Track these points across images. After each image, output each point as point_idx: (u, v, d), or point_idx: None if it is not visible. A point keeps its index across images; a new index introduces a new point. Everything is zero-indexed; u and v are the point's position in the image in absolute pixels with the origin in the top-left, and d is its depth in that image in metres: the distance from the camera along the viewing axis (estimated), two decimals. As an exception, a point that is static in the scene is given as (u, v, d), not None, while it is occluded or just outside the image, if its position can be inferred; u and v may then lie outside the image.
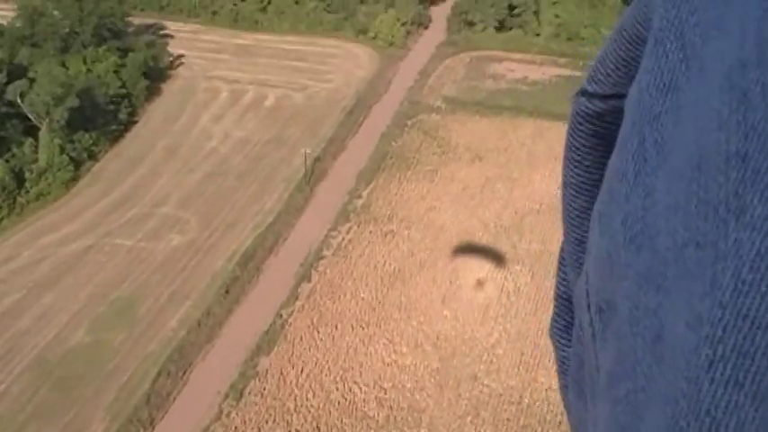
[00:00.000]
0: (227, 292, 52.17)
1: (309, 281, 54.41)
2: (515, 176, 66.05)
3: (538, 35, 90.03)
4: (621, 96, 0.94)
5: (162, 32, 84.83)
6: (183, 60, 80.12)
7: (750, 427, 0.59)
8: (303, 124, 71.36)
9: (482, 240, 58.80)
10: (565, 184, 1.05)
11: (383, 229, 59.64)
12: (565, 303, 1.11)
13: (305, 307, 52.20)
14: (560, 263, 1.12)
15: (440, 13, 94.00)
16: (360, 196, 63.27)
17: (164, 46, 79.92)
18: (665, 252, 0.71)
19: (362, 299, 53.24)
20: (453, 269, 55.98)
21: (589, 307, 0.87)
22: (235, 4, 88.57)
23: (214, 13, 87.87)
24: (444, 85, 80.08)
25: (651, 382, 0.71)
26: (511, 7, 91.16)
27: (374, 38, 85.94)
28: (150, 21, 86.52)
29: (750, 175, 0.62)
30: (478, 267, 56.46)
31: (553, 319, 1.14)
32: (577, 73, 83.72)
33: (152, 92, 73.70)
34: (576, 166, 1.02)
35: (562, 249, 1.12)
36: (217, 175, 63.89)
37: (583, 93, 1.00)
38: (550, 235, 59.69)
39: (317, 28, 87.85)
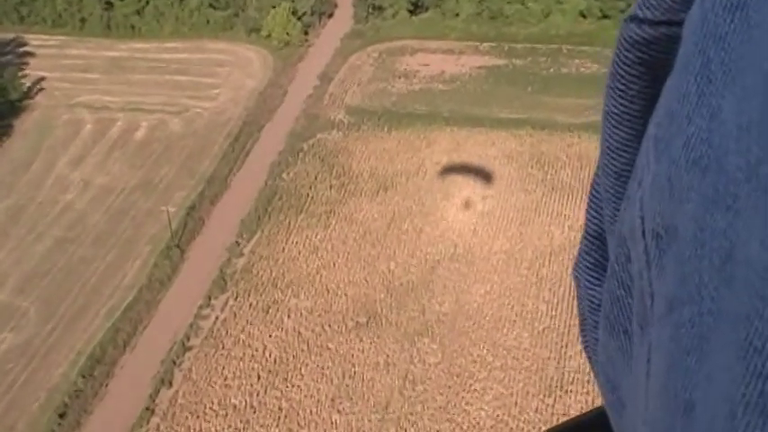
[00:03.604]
0: (61, 416, 42.19)
1: (170, 385, 44.58)
2: (426, 210, 55.98)
3: (457, 15, 79.11)
4: (671, 23, 0.92)
5: (20, 50, 73.24)
6: (42, 85, 68.82)
7: None
8: (178, 161, 60.70)
9: (382, 306, 49.05)
10: (606, 115, 1.00)
11: (266, 301, 49.68)
12: (594, 241, 1.09)
13: (160, 428, 42.40)
14: (592, 200, 1.08)
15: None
16: (241, 254, 53.15)
17: (17, 71, 68.44)
18: (735, 172, 0.69)
19: (233, 407, 43.50)
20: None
21: (644, 234, 0.84)
22: (106, 7, 76.79)
23: (83, 20, 76.17)
24: (348, 91, 69.40)
25: (719, 303, 0.69)
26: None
27: (268, 37, 74.75)
28: (9, 35, 74.83)
29: None
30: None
31: (581, 257, 1.12)
32: (501, 61, 73.34)
33: (-1, 133, 62.69)
34: (619, 96, 0.98)
35: (593, 186, 1.08)
36: (69, 242, 53.41)
37: (632, 18, 0.96)
38: (467, 289, 50.10)
39: (202, 29, 76.47)
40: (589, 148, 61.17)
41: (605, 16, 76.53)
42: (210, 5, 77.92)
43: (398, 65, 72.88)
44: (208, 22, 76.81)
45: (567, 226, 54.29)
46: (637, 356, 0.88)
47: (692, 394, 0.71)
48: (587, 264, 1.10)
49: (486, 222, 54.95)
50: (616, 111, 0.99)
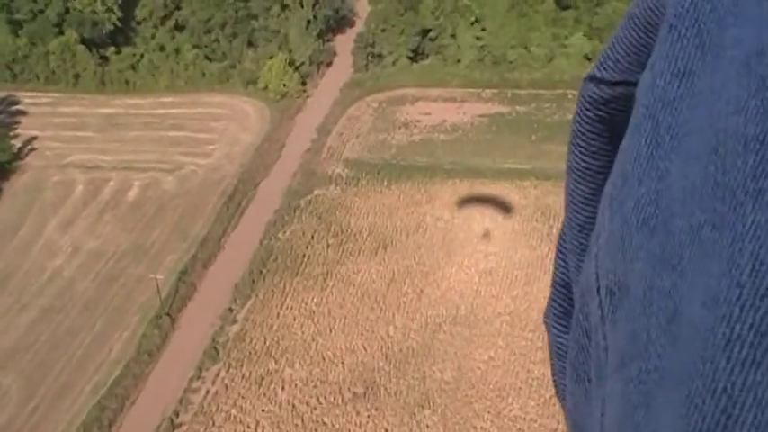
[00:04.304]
0: (41, 506, 39.87)
1: (157, 468, 42.21)
2: (427, 269, 53.74)
3: (459, 62, 77.34)
4: (629, 84, 0.95)
5: (12, 109, 71.83)
6: (34, 145, 67.29)
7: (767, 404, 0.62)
8: (171, 222, 58.78)
9: (381, 375, 46.66)
10: (569, 170, 1.05)
11: (259, 371, 47.41)
12: (562, 290, 1.12)
13: None
14: (559, 249, 1.11)
15: (346, 45, 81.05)
16: (234, 320, 50.98)
17: (7, 132, 66.91)
18: (680, 234, 0.72)
19: (223, 492, 41.07)
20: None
21: (599, 290, 0.86)
22: (101, 62, 75.38)
23: (76, 76, 74.73)
24: (347, 144, 67.52)
25: (664, 361, 0.71)
26: (424, 32, 78.35)
27: (265, 88, 73.12)
28: (1, 94, 73.43)
29: None
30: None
31: (550, 305, 1.14)
32: (504, 108, 71.38)
33: (-13, 198, 60.99)
34: (581, 152, 1.02)
35: (561, 236, 1.11)
36: (55, 312, 51.41)
37: (591, 78, 1.00)
38: (469, 354, 47.68)
39: (198, 82, 74.96)
40: (596, 199, 58.90)
41: (610, 58, 74.58)
42: (206, 58, 76.57)
43: (399, 114, 71.05)
44: (204, 75, 75.34)
45: (574, 283, 51.85)
46: (593, 408, 0.90)
47: None
48: (555, 311, 1.11)
49: (489, 281, 52.63)
50: (578, 166, 1.01)
